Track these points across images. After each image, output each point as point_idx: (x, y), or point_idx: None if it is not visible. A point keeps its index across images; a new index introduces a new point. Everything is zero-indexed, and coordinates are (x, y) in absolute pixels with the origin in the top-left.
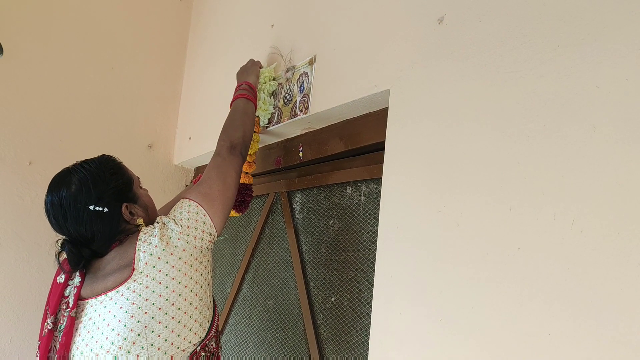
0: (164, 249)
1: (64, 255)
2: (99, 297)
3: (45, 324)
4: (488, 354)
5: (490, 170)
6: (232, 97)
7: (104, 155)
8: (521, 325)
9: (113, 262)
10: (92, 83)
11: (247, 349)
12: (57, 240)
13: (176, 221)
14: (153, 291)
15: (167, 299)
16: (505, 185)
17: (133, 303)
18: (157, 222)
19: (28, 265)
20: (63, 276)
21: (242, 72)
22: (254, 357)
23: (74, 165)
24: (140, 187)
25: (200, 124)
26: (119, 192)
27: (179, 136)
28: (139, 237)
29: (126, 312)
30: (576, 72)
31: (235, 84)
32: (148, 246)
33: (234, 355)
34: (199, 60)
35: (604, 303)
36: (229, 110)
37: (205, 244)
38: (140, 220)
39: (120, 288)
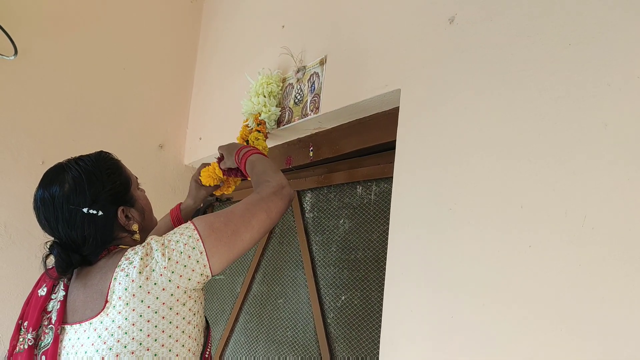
0: (140, 286)
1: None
2: (74, 325)
3: (22, 339)
4: (499, 351)
5: (501, 168)
6: (235, 158)
7: (101, 152)
8: (532, 323)
9: (94, 280)
10: (103, 83)
11: (257, 347)
12: (45, 242)
13: (164, 252)
14: (125, 333)
15: (140, 343)
16: (517, 182)
17: (104, 342)
18: (144, 246)
19: (40, 262)
20: (45, 289)
21: (235, 144)
22: (264, 356)
23: (68, 161)
24: (138, 188)
25: (210, 124)
26: (115, 194)
27: (190, 136)
28: (119, 262)
29: (97, 351)
30: (587, 70)
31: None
32: (125, 278)
33: (244, 354)
34: (209, 60)
35: (615, 300)
36: (248, 167)
37: (193, 284)
38: (135, 227)
39: (93, 320)
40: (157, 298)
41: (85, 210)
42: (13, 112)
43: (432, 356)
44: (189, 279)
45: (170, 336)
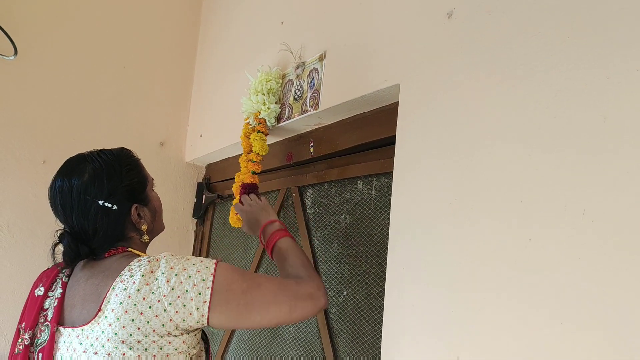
0: (135, 304)
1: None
2: (68, 329)
3: (20, 340)
4: (499, 345)
5: (501, 162)
6: (265, 235)
7: (123, 148)
8: (533, 316)
9: (96, 280)
10: (104, 82)
11: (260, 342)
12: (56, 231)
13: (170, 279)
14: (116, 347)
15: None
16: (517, 176)
17: (95, 353)
18: (150, 260)
19: (44, 262)
20: (42, 288)
21: (260, 211)
22: (267, 351)
23: (91, 152)
24: (153, 190)
25: (210, 121)
26: (132, 191)
27: (190, 134)
28: (121, 272)
29: None
30: (586, 64)
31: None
32: (122, 291)
33: (247, 349)
34: (209, 57)
35: (615, 293)
36: (278, 252)
37: (185, 326)
38: (144, 227)
39: (85, 328)
40: (148, 322)
41: (100, 202)
42: (14, 112)
43: (433, 350)
44: (184, 320)
45: None
